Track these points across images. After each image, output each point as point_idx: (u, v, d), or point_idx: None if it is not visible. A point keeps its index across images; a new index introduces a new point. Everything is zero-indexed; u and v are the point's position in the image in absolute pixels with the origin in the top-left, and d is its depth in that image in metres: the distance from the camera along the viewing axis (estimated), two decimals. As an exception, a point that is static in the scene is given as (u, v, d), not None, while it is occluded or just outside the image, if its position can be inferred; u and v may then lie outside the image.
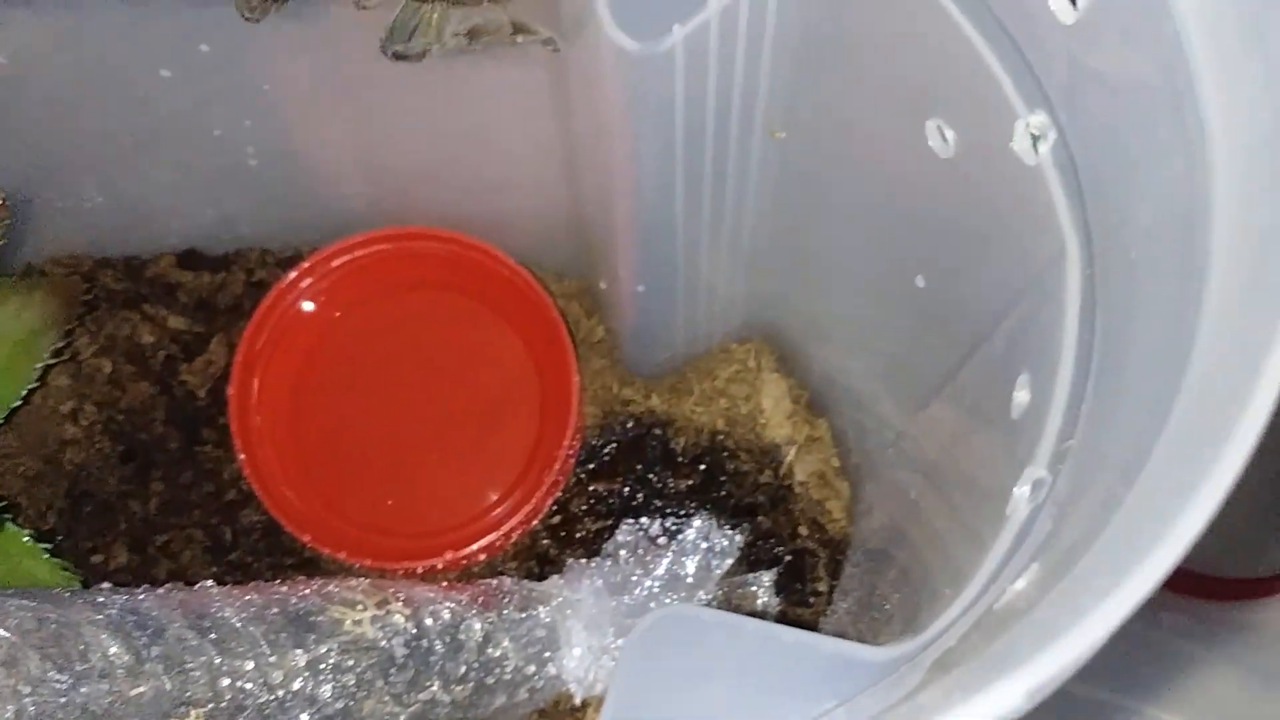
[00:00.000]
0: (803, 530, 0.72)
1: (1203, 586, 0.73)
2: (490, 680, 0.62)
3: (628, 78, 0.47)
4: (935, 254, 0.51)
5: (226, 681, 0.54)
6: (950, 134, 0.45)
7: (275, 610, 0.57)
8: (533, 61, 0.56)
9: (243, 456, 0.70)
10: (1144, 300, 0.36)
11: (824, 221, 0.59)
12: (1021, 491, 0.39)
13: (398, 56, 0.51)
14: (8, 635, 0.50)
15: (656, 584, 0.70)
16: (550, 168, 0.65)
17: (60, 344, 0.73)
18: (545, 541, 0.73)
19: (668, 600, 0.70)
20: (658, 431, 0.75)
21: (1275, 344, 0.28)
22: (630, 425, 0.75)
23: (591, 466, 0.74)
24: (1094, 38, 0.37)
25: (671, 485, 0.74)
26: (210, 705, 0.53)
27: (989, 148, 0.43)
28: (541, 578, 0.69)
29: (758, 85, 0.50)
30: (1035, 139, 0.40)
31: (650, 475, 0.74)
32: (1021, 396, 0.42)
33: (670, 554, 0.71)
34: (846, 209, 0.56)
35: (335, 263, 0.73)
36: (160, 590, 0.57)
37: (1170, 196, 0.35)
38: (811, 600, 0.71)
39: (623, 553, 0.72)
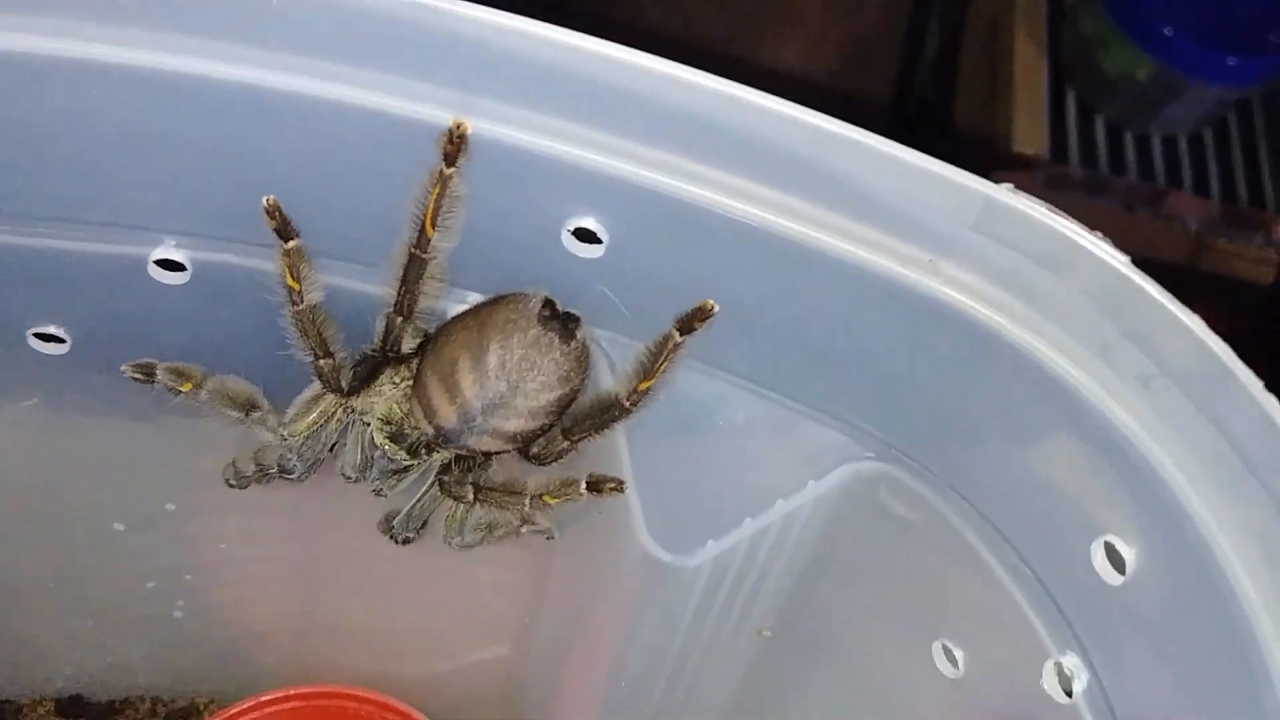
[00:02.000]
0: None
1: None
2: None
3: (648, 584, 0.48)
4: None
5: None
6: (960, 656, 0.47)
7: None
8: (517, 541, 0.56)
9: None
10: None
11: (795, 710, 0.59)
12: None
13: (406, 542, 0.50)
14: None
15: None
16: (500, 635, 0.64)
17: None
18: None
19: None
20: None
21: None
22: None
23: None
24: (1141, 596, 0.38)
25: None
26: None
27: (1011, 682, 0.44)
28: None
29: (760, 592, 0.51)
30: (1067, 679, 0.42)
31: None
32: None
33: None
34: (824, 703, 0.56)
35: (244, 720, 0.68)
36: None
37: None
38: None
39: None
